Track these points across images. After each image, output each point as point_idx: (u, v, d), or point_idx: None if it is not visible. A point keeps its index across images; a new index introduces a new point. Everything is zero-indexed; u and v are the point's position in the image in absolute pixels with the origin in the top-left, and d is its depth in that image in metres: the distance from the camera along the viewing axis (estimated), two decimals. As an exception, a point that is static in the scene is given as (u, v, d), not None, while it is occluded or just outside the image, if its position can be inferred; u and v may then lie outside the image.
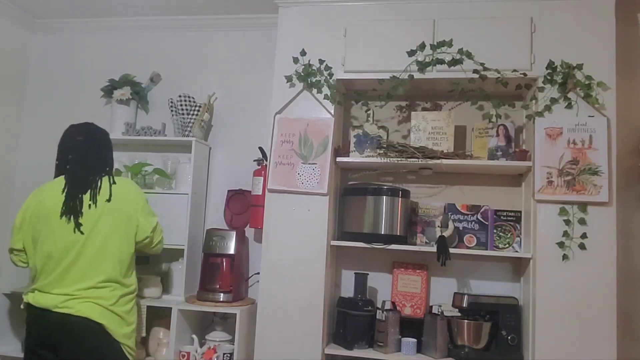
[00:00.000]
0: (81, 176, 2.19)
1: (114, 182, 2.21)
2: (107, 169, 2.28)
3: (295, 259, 2.51)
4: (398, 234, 2.57)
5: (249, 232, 2.94)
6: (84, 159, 2.24)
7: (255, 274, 2.82)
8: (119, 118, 3.03)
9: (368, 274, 2.62)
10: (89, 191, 2.15)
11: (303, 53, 2.60)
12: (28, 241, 2.19)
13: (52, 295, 2.05)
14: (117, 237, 2.15)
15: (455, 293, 2.58)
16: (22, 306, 2.16)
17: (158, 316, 2.76)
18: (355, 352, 2.47)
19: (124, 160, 3.04)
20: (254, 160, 2.87)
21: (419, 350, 2.48)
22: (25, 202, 2.25)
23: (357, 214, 2.60)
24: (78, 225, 2.10)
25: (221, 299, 2.67)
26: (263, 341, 2.50)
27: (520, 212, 2.61)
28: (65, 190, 2.16)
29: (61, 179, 2.21)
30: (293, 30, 2.66)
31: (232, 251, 2.74)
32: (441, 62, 2.47)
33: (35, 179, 3.23)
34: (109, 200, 2.15)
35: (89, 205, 2.13)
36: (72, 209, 2.12)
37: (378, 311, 2.50)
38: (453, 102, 2.74)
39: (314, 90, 2.59)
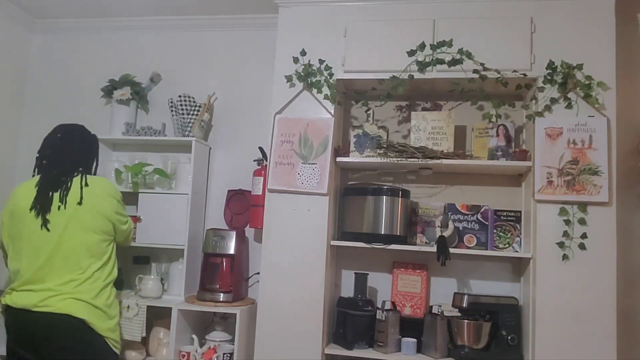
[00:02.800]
0: (53, 175, 2.19)
1: (87, 185, 2.17)
2: (81, 169, 2.24)
3: (295, 259, 2.51)
4: (398, 234, 2.57)
5: (249, 232, 2.94)
6: (58, 157, 2.24)
7: (255, 274, 2.82)
8: (119, 118, 3.03)
9: (368, 274, 2.62)
10: (59, 191, 2.14)
11: (303, 53, 2.60)
12: (7, 239, 2.18)
13: (31, 294, 2.04)
14: (91, 234, 2.14)
15: (455, 293, 2.58)
16: None
17: (158, 316, 2.76)
18: (355, 352, 2.47)
19: (124, 160, 3.05)
20: (254, 160, 2.87)
21: (419, 350, 2.48)
22: (7, 199, 2.25)
23: (357, 214, 2.60)
24: (45, 222, 2.09)
25: (221, 299, 2.67)
26: (263, 341, 2.50)
27: (520, 212, 2.61)
28: (38, 187, 2.16)
29: (37, 177, 2.22)
30: (293, 30, 2.66)
31: (232, 251, 2.74)
32: (441, 62, 2.47)
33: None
34: (80, 203, 2.13)
35: (58, 206, 2.12)
36: (41, 205, 2.12)
37: (378, 311, 2.50)
38: (453, 102, 2.74)
39: (314, 90, 2.59)
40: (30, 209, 2.11)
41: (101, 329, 2.08)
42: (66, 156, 2.25)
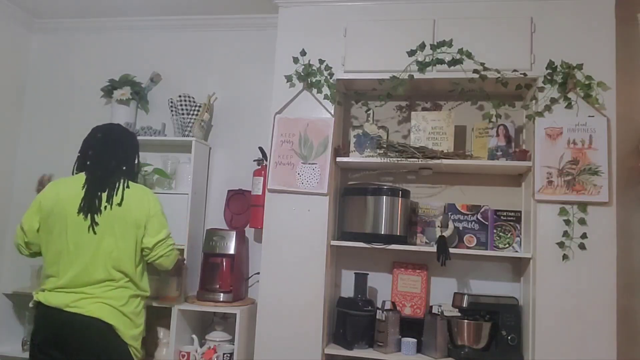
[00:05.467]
0: (100, 175, 2.16)
1: (128, 187, 2.15)
2: (124, 168, 2.21)
3: (295, 259, 2.51)
4: (398, 234, 2.57)
5: (249, 232, 2.94)
6: (102, 157, 2.21)
7: (255, 274, 2.81)
8: (119, 118, 3.03)
9: (368, 274, 2.62)
10: (106, 191, 2.11)
11: (303, 53, 2.60)
12: (39, 239, 2.15)
13: (64, 294, 2.04)
14: (127, 241, 2.11)
15: (455, 293, 2.58)
16: (31, 304, 2.14)
17: (158, 316, 2.76)
18: (355, 352, 2.47)
19: (124, 160, 3.04)
20: (254, 160, 2.87)
21: (419, 350, 2.48)
22: (44, 191, 2.20)
23: (357, 214, 2.60)
24: (94, 224, 2.07)
25: (221, 299, 2.67)
26: (263, 341, 2.50)
27: (520, 212, 2.61)
28: (85, 187, 2.12)
29: (81, 176, 2.17)
30: (293, 30, 2.66)
31: (232, 251, 2.74)
32: (441, 62, 2.47)
33: (35, 179, 3.24)
34: (119, 204, 2.10)
35: (105, 206, 2.09)
36: (90, 207, 2.09)
37: (378, 311, 2.50)
38: (453, 102, 2.74)
39: (314, 90, 2.59)
40: (79, 212, 2.08)
41: (126, 336, 2.07)
42: (109, 156, 2.21)
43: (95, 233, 2.07)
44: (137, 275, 2.14)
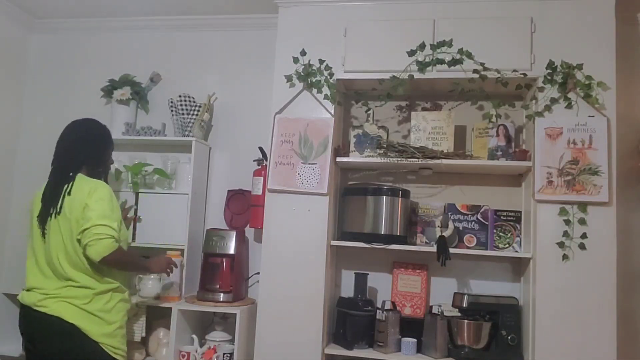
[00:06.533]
0: (52, 181, 2.20)
1: (69, 193, 2.12)
2: (71, 174, 2.17)
3: (295, 259, 2.51)
4: (398, 234, 2.57)
5: (249, 232, 2.94)
6: (56, 161, 2.25)
7: (255, 274, 2.81)
8: (119, 118, 3.03)
9: (368, 274, 2.62)
10: (54, 199, 2.14)
11: (303, 53, 2.60)
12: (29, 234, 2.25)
13: (33, 293, 2.11)
14: (74, 240, 2.10)
15: (455, 293, 2.58)
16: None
17: (158, 316, 2.76)
18: (355, 352, 2.47)
19: (124, 160, 3.04)
20: (254, 160, 2.87)
21: (419, 350, 2.48)
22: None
23: (357, 214, 2.60)
24: (43, 232, 2.14)
25: (221, 299, 2.67)
26: (263, 341, 2.50)
27: (520, 212, 2.61)
28: (43, 196, 2.19)
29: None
30: (293, 30, 2.66)
31: (232, 251, 2.74)
32: (441, 62, 2.47)
33: (35, 179, 3.22)
34: (59, 212, 2.11)
35: (51, 214, 2.13)
36: (41, 214, 2.16)
37: (378, 311, 2.50)
38: (453, 102, 2.74)
39: (314, 90, 2.59)
40: (37, 217, 2.17)
41: (95, 335, 2.07)
42: (60, 160, 2.24)
43: (45, 241, 2.13)
44: (96, 270, 2.13)
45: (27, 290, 2.16)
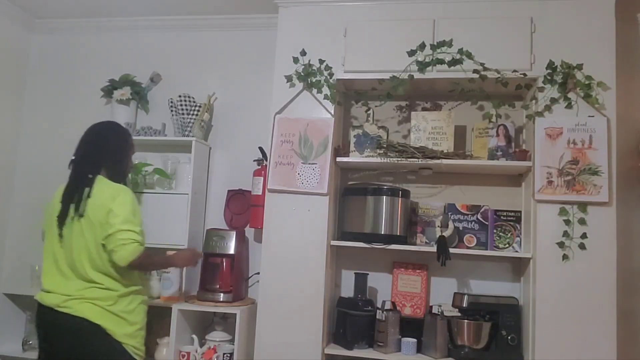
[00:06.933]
0: (72, 183, 2.18)
1: (90, 196, 2.11)
2: (90, 176, 2.15)
3: (295, 259, 2.51)
4: (398, 234, 2.57)
5: (249, 232, 2.94)
6: (78, 163, 2.22)
7: (255, 274, 2.81)
8: (119, 118, 3.02)
9: (368, 274, 2.62)
10: (75, 202, 2.12)
11: (303, 53, 2.60)
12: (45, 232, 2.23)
13: (55, 295, 2.08)
14: (98, 243, 2.09)
15: (455, 293, 2.58)
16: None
17: (158, 316, 2.76)
18: (355, 352, 2.47)
19: (124, 160, 3.04)
20: (254, 160, 2.87)
21: (419, 350, 2.48)
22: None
23: (357, 214, 2.60)
24: (61, 235, 2.11)
25: (221, 299, 2.67)
26: (263, 341, 2.50)
27: (520, 212, 2.61)
28: (62, 196, 2.16)
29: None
30: (293, 30, 2.66)
31: (232, 251, 2.74)
32: (441, 62, 2.47)
33: (35, 179, 3.25)
34: (82, 215, 2.09)
35: (72, 217, 2.10)
36: (61, 217, 2.13)
37: (378, 311, 2.50)
38: (453, 102, 2.74)
39: (314, 90, 2.59)
40: (57, 217, 2.14)
41: (118, 335, 2.07)
42: (83, 161, 2.21)
43: (63, 242, 2.11)
44: (119, 273, 2.12)
45: (47, 292, 2.11)
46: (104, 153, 2.24)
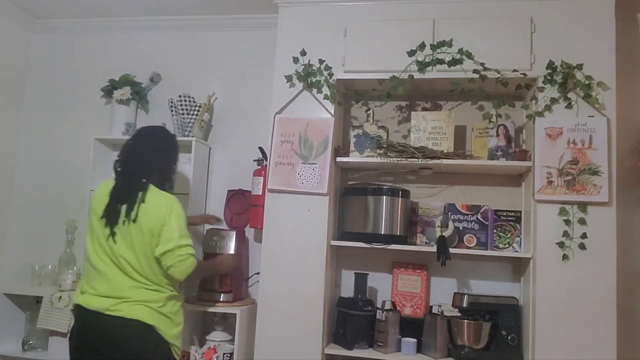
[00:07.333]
0: (122, 185, 2.17)
1: (144, 201, 2.11)
2: (144, 180, 2.16)
3: (295, 259, 2.51)
4: (398, 234, 2.57)
5: (249, 232, 2.94)
6: (128, 166, 2.21)
7: (255, 274, 2.81)
8: (119, 118, 3.04)
9: (368, 274, 2.62)
10: (126, 204, 2.10)
11: (303, 53, 2.60)
12: (87, 236, 2.21)
13: (102, 298, 2.05)
14: (145, 250, 2.08)
15: (455, 293, 2.58)
16: (71, 307, 2.18)
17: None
18: (355, 352, 2.47)
19: (124, 160, 3.05)
20: (254, 160, 2.87)
21: (419, 350, 2.48)
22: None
23: (357, 214, 2.60)
24: (113, 234, 2.08)
25: (221, 299, 2.67)
26: (263, 341, 2.50)
27: (520, 212, 2.61)
28: (110, 196, 2.14)
29: (112, 180, 2.21)
30: (293, 30, 2.66)
31: (232, 251, 2.73)
32: (441, 62, 2.47)
33: (35, 179, 3.25)
34: (134, 220, 2.08)
35: (123, 220, 2.08)
36: (109, 217, 2.10)
37: (378, 311, 2.50)
38: (453, 102, 2.74)
39: (314, 90, 2.59)
40: (101, 217, 2.12)
41: (168, 336, 2.09)
42: (134, 165, 2.21)
43: (115, 242, 2.08)
44: (163, 281, 2.13)
45: (93, 294, 2.08)
46: (156, 158, 2.26)
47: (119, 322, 2.02)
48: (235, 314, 2.60)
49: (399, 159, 2.52)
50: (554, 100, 2.39)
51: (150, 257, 2.09)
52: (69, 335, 2.14)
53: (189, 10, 3.08)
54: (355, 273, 2.61)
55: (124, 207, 2.10)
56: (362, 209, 2.59)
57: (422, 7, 2.56)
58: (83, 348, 2.07)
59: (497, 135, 2.54)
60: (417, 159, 2.50)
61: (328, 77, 2.58)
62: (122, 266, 2.08)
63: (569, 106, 2.37)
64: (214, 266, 2.60)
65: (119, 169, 2.22)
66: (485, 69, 2.42)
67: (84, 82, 3.27)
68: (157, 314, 2.07)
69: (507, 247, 2.57)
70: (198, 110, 2.95)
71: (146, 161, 2.23)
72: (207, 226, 2.96)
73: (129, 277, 2.08)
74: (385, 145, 2.57)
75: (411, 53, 2.49)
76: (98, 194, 2.20)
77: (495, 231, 2.59)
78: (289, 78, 2.61)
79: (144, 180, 2.17)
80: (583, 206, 2.30)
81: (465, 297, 2.50)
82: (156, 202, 2.13)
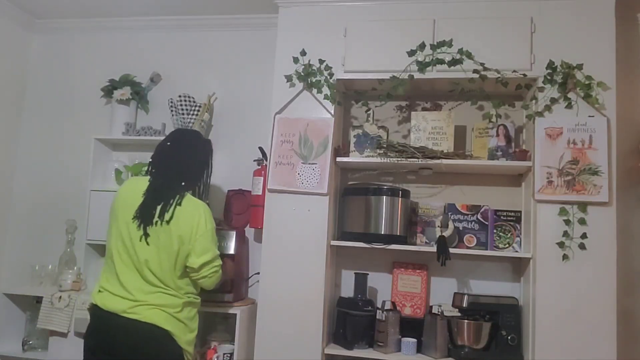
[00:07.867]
0: (158, 186, 2.14)
1: (180, 204, 2.09)
2: (183, 184, 2.15)
3: (295, 259, 2.51)
4: (398, 234, 2.57)
5: (249, 232, 2.94)
6: (164, 168, 2.19)
7: (255, 274, 2.81)
8: (119, 118, 3.04)
9: (368, 274, 2.62)
10: (161, 205, 2.08)
11: (303, 53, 2.60)
12: (109, 235, 2.16)
13: (120, 299, 2.03)
14: (169, 255, 2.06)
15: (455, 293, 2.58)
16: (87, 307, 2.15)
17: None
18: (355, 352, 2.47)
19: (124, 160, 3.05)
20: (254, 160, 2.87)
21: (419, 350, 2.48)
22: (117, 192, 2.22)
23: (357, 214, 2.60)
24: (146, 236, 2.06)
25: (221, 299, 2.67)
26: (263, 341, 2.50)
27: (520, 212, 2.61)
28: (144, 196, 2.11)
29: (146, 180, 2.18)
30: (293, 30, 2.66)
31: (232, 251, 2.73)
32: (441, 62, 2.47)
33: (35, 179, 3.25)
34: (168, 222, 2.06)
35: (156, 221, 2.06)
36: (143, 217, 2.07)
37: (378, 311, 2.50)
38: (453, 102, 2.74)
39: (314, 90, 2.59)
40: (133, 218, 2.08)
41: (182, 341, 2.07)
42: (171, 167, 2.19)
43: (148, 244, 2.06)
44: (181, 287, 2.11)
45: (111, 294, 2.06)
46: (193, 164, 2.25)
47: (135, 325, 2.00)
48: (235, 314, 2.60)
49: (399, 159, 2.52)
50: (554, 100, 2.39)
51: (173, 262, 2.07)
52: (84, 334, 2.12)
53: (189, 10, 3.08)
54: (355, 273, 2.61)
55: (158, 208, 2.08)
56: (362, 209, 2.59)
57: (422, 7, 2.56)
58: (97, 349, 2.06)
59: (497, 135, 2.54)
60: (417, 159, 2.50)
61: (328, 77, 2.58)
62: (143, 270, 2.05)
63: (569, 106, 2.37)
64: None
65: (153, 171, 2.19)
66: (485, 69, 2.42)
67: (84, 82, 3.27)
68: (174, 319, 2.06)
69: (507, 247, 2.57)
70: (198, 110, 2.95)
71: (184, 165, 2.22)
72: (207, 226, 2.96)
73: (147, 281, 2.05)
74: (385, 145, 2.57)
75: (411, 53, 2.49)
76: (125, 195, 2.15)
77: (495, 231, 2.59)
78: (289, 78, 2.61)
79: (183, 183, 2.16)
80: (583, 206, 2.30)
81: (465, 297, 2.50)
82: (190, 208, 2.11)
